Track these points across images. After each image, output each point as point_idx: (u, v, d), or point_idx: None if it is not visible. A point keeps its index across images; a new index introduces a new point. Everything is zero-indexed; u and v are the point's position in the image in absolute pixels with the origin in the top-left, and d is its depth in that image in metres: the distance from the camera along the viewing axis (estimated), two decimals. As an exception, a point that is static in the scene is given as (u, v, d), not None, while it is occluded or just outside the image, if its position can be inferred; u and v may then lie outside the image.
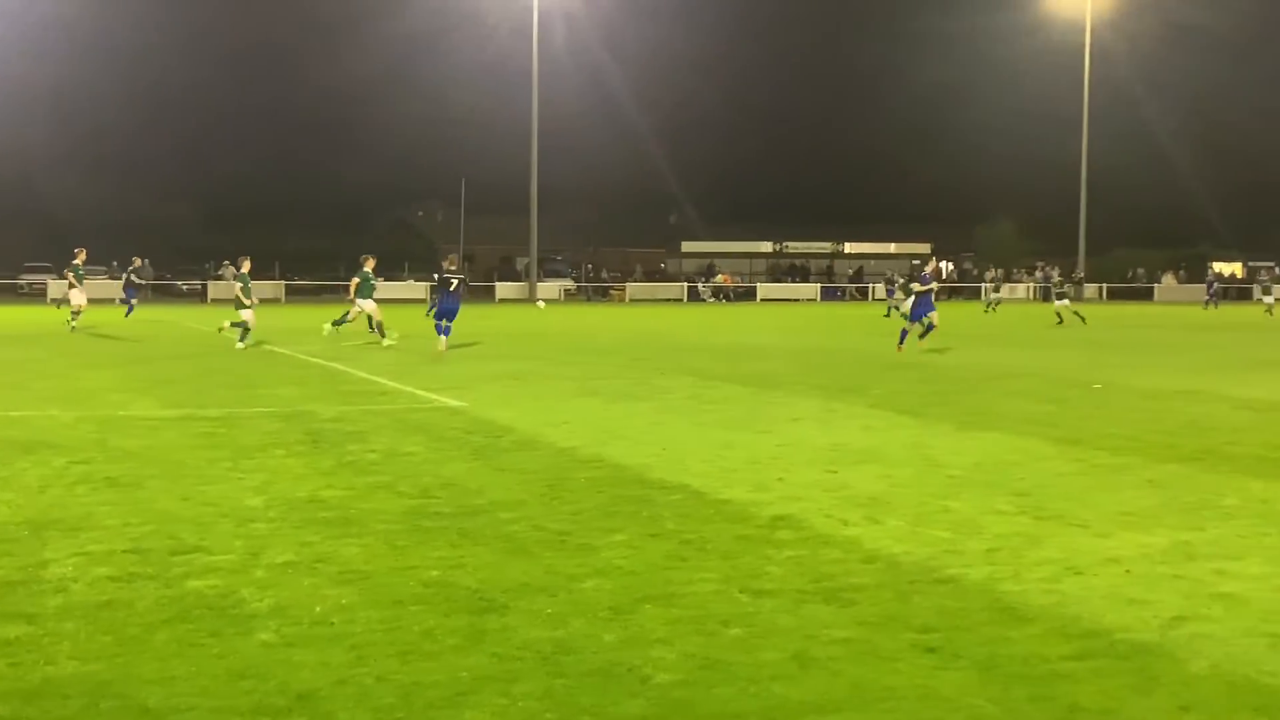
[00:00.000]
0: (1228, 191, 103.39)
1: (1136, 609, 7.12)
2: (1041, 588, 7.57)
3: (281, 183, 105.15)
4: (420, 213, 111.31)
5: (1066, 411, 16.97)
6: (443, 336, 26.98)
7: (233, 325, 30.48)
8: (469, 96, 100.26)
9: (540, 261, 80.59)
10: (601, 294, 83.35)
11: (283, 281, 77.73)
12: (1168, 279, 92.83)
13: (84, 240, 79.70)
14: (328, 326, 31.07)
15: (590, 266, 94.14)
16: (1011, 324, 47.24)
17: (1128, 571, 7.98)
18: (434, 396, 18.40)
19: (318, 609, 7.06)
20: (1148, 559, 8.32)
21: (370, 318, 30.94)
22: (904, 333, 28.50)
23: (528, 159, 78.16)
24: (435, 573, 7.88)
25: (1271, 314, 54.71)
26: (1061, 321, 42.70)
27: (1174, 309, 68.43)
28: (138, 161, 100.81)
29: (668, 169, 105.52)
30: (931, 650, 6.37)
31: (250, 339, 29.15)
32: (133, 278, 44.67)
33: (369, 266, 31.34)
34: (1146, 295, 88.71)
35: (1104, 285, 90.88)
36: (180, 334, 37.39)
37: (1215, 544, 8.79)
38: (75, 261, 37.18)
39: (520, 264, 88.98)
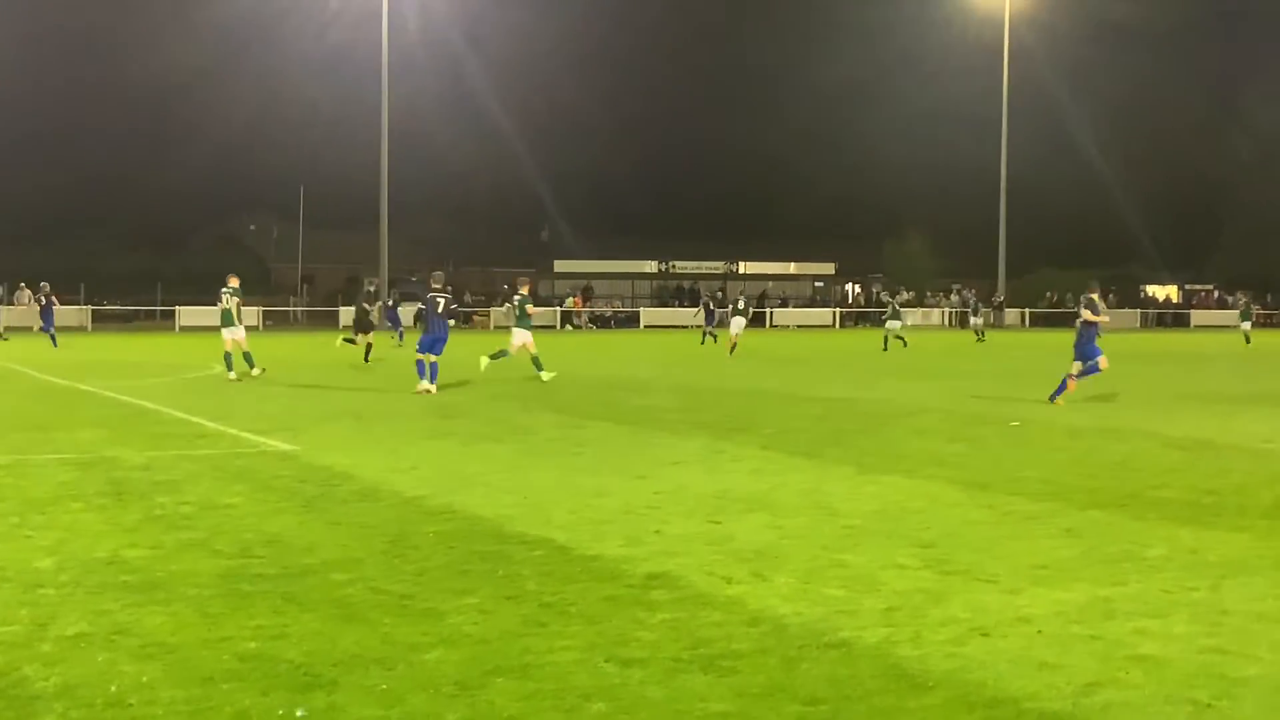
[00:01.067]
0: (1160, 206, 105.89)
1: (1047, 674, 7.24)
2: (944, 651, 7.65)
3: (87, 192, 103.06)
4: (252, 226, 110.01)
5: (978, 452, 17.29)
6: (423, 380, 26.30)
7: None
8: (307, 93, 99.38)
9: (392, 283, 79.94)
10: (463, 320, 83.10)
11: (89, 307, 76.38)
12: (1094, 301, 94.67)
13: None
14: (485, 360, 30.43)
15: (449, 288, 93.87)
16: (924, 353, 47.90)
17: (1039, 632, 8.11)
18: (261, 439, 18.21)
19: (113, 688, 6.91)
20: (1062, 617, 8.46)
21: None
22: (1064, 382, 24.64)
23: (376, 165, 77.69)
24: (253, 644, 7.76)
25: (1249, 342, 56.29)
26: (903, 345, 44.17)
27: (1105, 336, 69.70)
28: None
29: (538, 178, 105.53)
30: (820, 724, 6.43)
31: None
32: None
33: (525, 290, 31.18)
34: (1072, 320, 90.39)
35: (1026, 310, 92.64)
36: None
37: (1137, 600, 8.97)
38: None
39: (369, 285, 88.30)
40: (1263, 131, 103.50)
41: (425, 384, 26.08)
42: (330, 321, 73.87)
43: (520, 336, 30.79)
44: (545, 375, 29.51)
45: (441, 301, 27.17)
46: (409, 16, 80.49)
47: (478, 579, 9.54)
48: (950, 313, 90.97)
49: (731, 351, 31.64)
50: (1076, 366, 24.39)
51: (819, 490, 13.77)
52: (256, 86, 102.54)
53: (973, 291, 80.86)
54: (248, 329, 33.89)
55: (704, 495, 13.41)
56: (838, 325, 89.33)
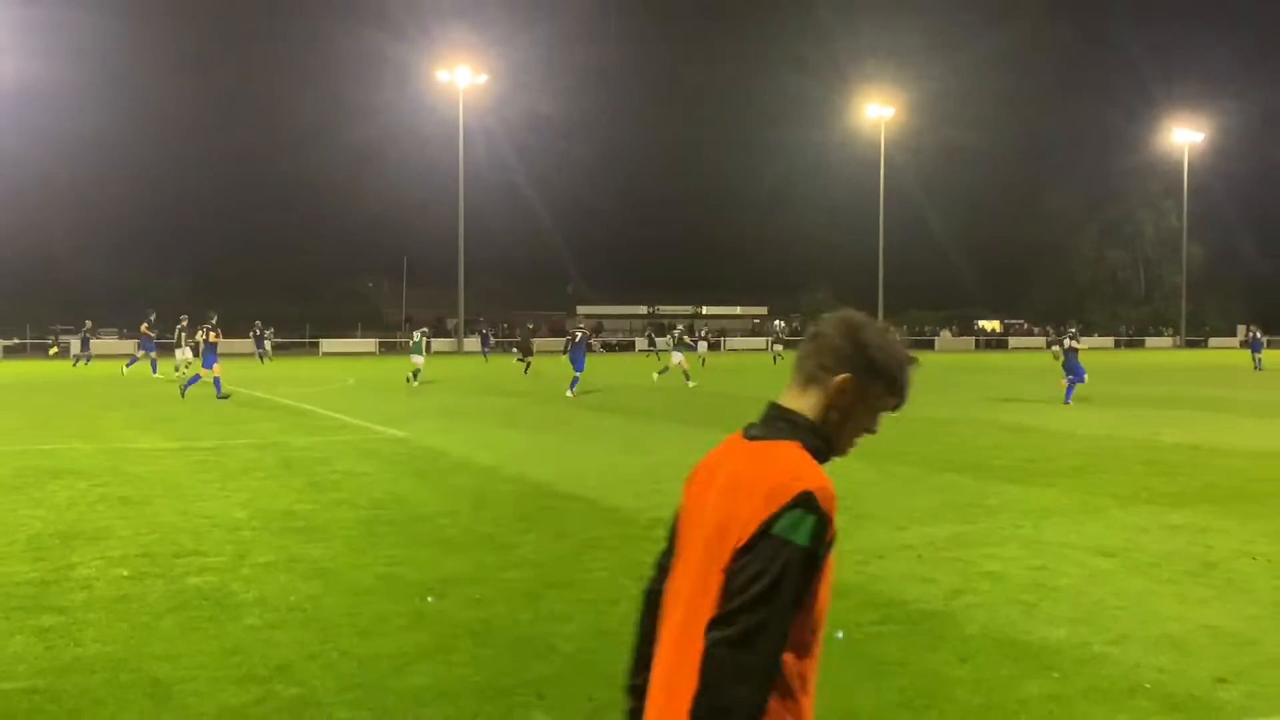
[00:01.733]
0: (988, 263, 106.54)
1: (926, 585, 7.29)
2: (854, 569, 7.69)
3: (255, 259, 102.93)
4: (370, 283, 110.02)
5: (877, 437, 17.28)
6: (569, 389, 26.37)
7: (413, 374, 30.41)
8: (407, 189, 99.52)
9: (466, 322, 79.85)
10: (525, 351, 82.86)
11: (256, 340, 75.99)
12: (945, 333, 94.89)
13: (95, 307, 77.49)
14: (655, 375, 32.77)
15: (505, 326, 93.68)
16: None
17: (919, 556, 8.16)
18: (383, 428, 18.17)
19: (292, 598, 6.96)
20: (933, 546, 8.51)
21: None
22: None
23: (455, 238, 77.76)
24: (385, 569, 7.80)
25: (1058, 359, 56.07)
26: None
27: (953, 356, 69.89)
28: (139, 242, 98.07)
29: (564, 248, 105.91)
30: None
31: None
32: (150, 333, 41.26)
33: (681, 327, 32.07)
34: (929, 346, 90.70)
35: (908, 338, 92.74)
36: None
37: (983, 534, 9.01)
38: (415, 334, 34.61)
39: (450, 324, 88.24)
40: (1054, 215, 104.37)
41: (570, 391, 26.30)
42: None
43: (677, 357, 32.13)
44: (691, 384, 30.52)
45: (579, 334, 27.94)
46: (477, 140, 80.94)
47: (537, 523, 9.57)
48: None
49: (687, 378, 31.01)
50: (1066, 380, 24.06)
51: (764, 461, 13.78)
52: (373, 184, 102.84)
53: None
54: (365, 353, 34.00)
55: (688, 465, 13.39)
56: (769, 349, 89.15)
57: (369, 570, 7.74)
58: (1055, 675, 5.48)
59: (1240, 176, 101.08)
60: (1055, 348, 25.56)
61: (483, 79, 78.77)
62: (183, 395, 25.42)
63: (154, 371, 36.90)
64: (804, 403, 2.39)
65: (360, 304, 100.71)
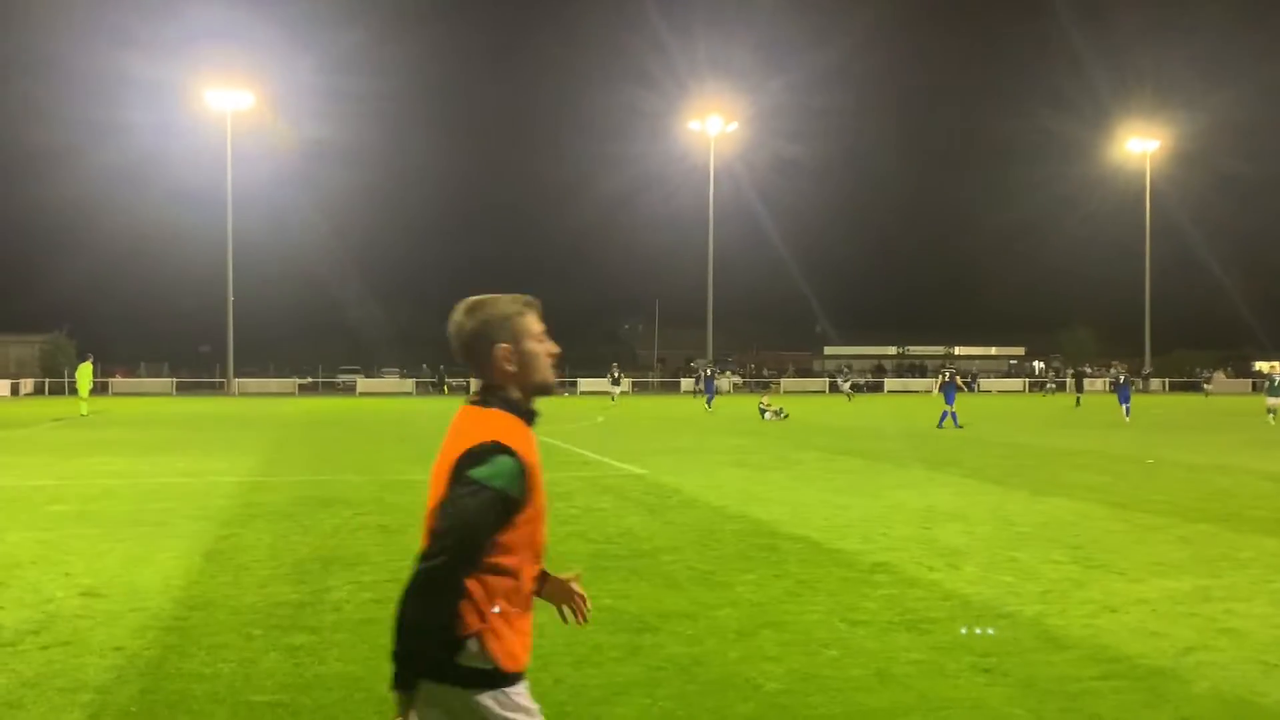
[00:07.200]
0: (1266, 301, 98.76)
1: (1156, 640, 6.84)
2: (1081, 622, 7.31)
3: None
4: (626, 326, 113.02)
5: (1128, 484, 16.31)
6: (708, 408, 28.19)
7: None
8: (658, 236, 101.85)
9: (714, 362, 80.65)
10: (764, 387, 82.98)
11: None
12: (1219, 375, 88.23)
13: (378, 349, 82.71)
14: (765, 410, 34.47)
15: (753, 366, 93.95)
16: (1090, 411, 45.47)
17: (1153, 611, 7.65)
18: (623, 465, 18.57)
19: (519, 627, 7.20)
20: (1171, 600, 7.96)
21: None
22: None
23: (704, 283, 78.84)
24: (609, 601, 7.96)
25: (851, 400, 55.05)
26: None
27: (1226, 399, 64.90)
28: (418, 290, 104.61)
29: (810, 291, 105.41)
30: (986, 670, 6.21)
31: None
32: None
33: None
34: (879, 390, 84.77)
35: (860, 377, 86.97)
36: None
37: (1229, 589, 8.36)
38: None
39: (699, 364, 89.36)
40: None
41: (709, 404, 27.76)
42: (675, 388, 74.75)
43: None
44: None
45: (710, 370, 28.96)
46: (725, 185, 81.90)
47: (757, 562, 9.53)
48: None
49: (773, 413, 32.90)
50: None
51: (1001, 507, 13.24)
52: (626, 234, 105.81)
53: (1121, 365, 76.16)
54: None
55: (917, 509, 13.07)
56: (1026, 390, 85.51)
57: (593, 602, 7.86)
58: (1287, 744, 5.03)
59: None
60: None
61: (733, 126, 79.82)
62: None
63: None
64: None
65: (617, 344, 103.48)
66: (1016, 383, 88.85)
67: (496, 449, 2.61)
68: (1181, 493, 14.58)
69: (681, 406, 47.86)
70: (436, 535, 2.60)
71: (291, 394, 70.02)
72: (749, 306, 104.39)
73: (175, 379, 74.19)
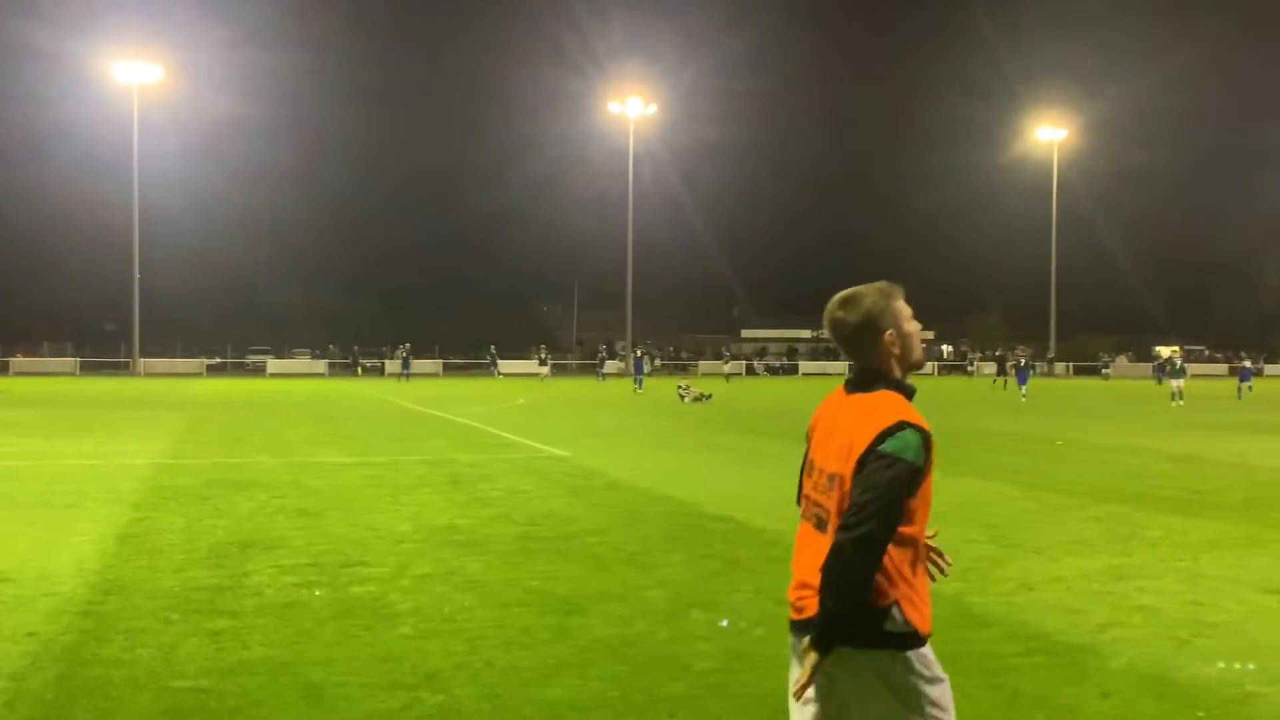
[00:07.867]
0: (1167, 288, 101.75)
1: (1073, 616, 7.00)
2: (1001, 600, 7.45)
3: (439, 285, 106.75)
4: (544, 309, 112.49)
5: (1038, 466, 16.68)
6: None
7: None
8: (579, 219, 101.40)
9: (634, 344, 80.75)
10: (681, 370, 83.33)
11: (440, 360, 78.80)
12: (1121, 359, 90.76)
13: (291, 329, 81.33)
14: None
15: (671, 348, 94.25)
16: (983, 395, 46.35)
17: (1069, 588, 7.84)
18: (546, 448, 18.53)
19: (446, 609, 7.14)
20: (1086, 578, 8.16)
21: None
22: None
23: (624, 266, 78.84)
24: (536, 583, 7.93)
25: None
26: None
27: (1128, 383, 66.84)
28: (332, 269, 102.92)
29: (730, 273, 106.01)
30: (910, 647, 6.29)
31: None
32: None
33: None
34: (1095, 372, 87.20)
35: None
36: (364, 402, 37.93)
37: (1140, 567, 8.60)
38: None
39: (619, 347, 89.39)
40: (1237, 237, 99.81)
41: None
42: (592, 371, 74.74)
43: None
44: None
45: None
46: (645, 167, 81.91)
47: (683, 543, 9.56)
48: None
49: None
50: None
51: (918, 487, 13.45)
52: (545, 215, 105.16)
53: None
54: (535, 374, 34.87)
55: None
56: (936, 373, 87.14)
57: (520, 584, 7.88)
58: (1201, 714, 5.18)
59: None
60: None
61: (653, 109, 79.74)
62: None
63: None
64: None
65: (536, 328, 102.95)
66: (926, 366, 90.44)
67: (903, 426, 2.86)
68: (1091, 474, 14.98)
69: (603, 389, 47.91)
70: (859, 506, 2.80)
71: (200, 374, 68.58)
72: (668, 289, 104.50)
73: (79, 358, 71.96)
